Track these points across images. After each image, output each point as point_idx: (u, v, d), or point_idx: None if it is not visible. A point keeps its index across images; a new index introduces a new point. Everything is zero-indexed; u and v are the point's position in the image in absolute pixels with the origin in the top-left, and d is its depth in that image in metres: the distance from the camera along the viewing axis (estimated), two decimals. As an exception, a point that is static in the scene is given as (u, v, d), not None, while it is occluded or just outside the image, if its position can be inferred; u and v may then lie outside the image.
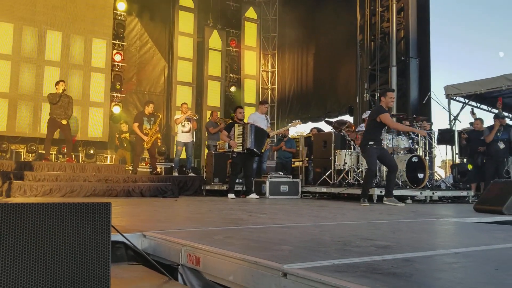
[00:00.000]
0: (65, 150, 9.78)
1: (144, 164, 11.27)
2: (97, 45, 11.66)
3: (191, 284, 2.01)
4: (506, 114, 9.09)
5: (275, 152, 10.46)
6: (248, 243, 2.14)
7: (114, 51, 12.00)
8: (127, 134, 11.21)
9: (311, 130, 10.64)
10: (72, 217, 1.63)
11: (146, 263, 2.24)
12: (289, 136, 10.64)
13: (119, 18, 12.24)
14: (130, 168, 10.43)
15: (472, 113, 9.55)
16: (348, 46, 12.01)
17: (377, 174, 7.73)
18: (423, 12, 10.62)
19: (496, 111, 9.73)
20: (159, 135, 9.88)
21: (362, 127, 8.39)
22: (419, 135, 8.17)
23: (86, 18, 11.51)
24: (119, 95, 12.08)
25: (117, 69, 12.09)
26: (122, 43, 12.23)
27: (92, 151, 11.28)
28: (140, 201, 6.29)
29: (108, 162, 11.66)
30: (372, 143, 6.26)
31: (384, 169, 7.75)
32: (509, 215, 4.18)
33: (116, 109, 11.93)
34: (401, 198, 7.33)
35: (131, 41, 12.85)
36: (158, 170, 10.55)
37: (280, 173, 9.04)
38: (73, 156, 10.27)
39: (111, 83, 11.92)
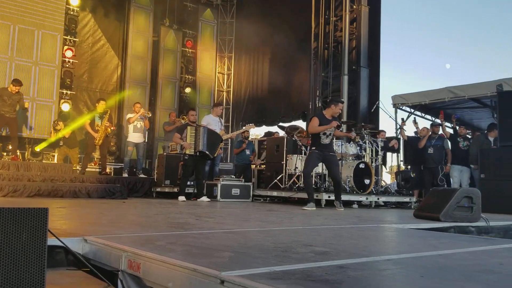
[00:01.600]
0: (10, 148, 9.38)
1: (93, 164, 10.97)
2: (47, 40, 11.21)
3: (130, 290, 2.00)
4: (449, 124, 9.55)
5: (235, 154, 10.53)
6: (190, 249, 2.15)
7: (65, 47, 11.60)
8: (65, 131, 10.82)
9: (273, 133, 10.85)
10: (7, 222, 1.60)
11: (86, 268, 2.21)
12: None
13: (72, 13, 11.85)
14: (78, 168, 10.13)
15: (415, 122, 10.02)
16: (303, 53, 12.24)
17: (326, 179, 7.95)
18: (374, 23, 11.02)
19: (438, 121, 10.24)
20: (109, 130, 9.64)
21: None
22: (367, 142, 8.47)
23: (37, 12, 11.06)
24: (69, 92, 11.69)
25: (67, 66, 11.69)
26: (74, 39, 11.84)
27: (38, 149, 10.84)
28: (87, 203, 6.13)
29: (56, 161, 11.25)
30: (314, 148, 6.45)
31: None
32: (445, 222, 4.41)
33: (65, 107, 11.54)
34: (348, 203, 7.57)
35: (83, 37, 12.48)
36: (108, 170, 10.31)
37: (232, 176, 9.08)
38: (18, 154, 9.85)
39: (61, 79, 11.51)
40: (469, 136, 9.54)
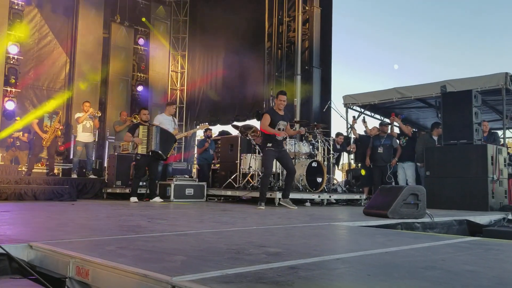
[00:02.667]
0: None
1: (40, 165, 10.52)
2: (-11, 35, 10.67)
3: (78, 298, 1.95)
4: (396, 125, 9.91)
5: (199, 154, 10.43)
6: (141, 254, 2.12)
7: (9, 43, 11.06)
8: (21, 133, 10.40)
9: (228, 133, 10.87)
10: None
11: (32, 276, 2.13)
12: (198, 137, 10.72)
13: (16, 7, 11.30)
14: (24, 169, 9.69)
15: (363, 121, 10.34)
16: (256, 52, 12.31)
17: (280, 177, 8.05)
18: (326, 24, 11.25)
19: (388, 120, 10.60)
20: (59, 133, 9.31)
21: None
22: (319, 141, 8.64)
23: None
24: (13, 89, 11.15)
25: (12, 62, 11.15)
26: (19, 35, 11.30)
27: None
28: (33, 206, 5.88)
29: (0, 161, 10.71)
30: (270, 145, 6.39)
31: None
32: (393, 219, 4.58)
33: (10, 105, 11.01)
34: (301, 201, 7.70)
35: (29, 32, 11.93)
36: (55, 171, 9.93)
37: (186, 175, 8.99)
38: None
39: (5, 76, 10.96)
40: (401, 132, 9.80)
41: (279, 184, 7.90)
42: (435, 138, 8.82)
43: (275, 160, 6.79)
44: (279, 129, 6.42)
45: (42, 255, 2.26)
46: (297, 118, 10.25)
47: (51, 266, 2.16)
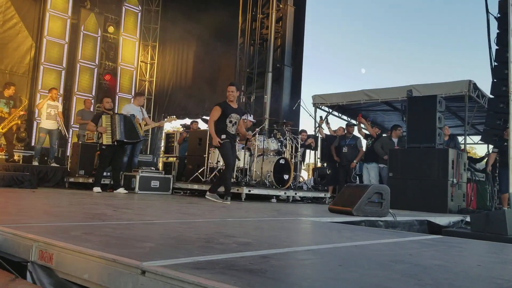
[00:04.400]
0: None
1: (-1, 151, 10.11)
2: None
3: (41, 282, 1.87)
4: (363, 126, 10.08)
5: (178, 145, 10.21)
6: (108, 240, 2.06)
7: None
8: None
9: (190, 126, 10.71)
10: None
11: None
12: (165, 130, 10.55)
13: (-21, -15, 10.81)
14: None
15: (327, 122, 10.50)
16: (229, 47, 12.25)
17: (247, 173, 8.05)
18: (299, 24, 11.33)
19: (354, 121, 10.79)
20: (19, 122, 8.97)
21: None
22: (287, 138, 8.70)
23: None
24: (-28, 72, 10.67)
25: (-29, 42, 10.66)
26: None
27: None
28: (-10, 192, 5.64)
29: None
30: (224, 137, 6.15)
31: (254, 168, 8.10)
32: (357, 216, 4.66)
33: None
34: (267, 197, 7.73)
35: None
36: (16, 158, 9.56)
37: (152, 168, 8.85)
38: None
39: (-36, 58, 10.48)
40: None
41: (246, 179, 7.90)
42: (395, 140, 9.05)
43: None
44: (230, 122, 6.24)
45: (2, 238, 2.15)
46: (267, 115, 10.28)
47: (12, 250, 2.07)
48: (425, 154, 7.39)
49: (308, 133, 10.33)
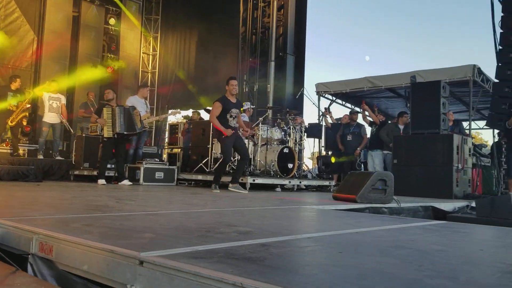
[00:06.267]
0: None
1: (4, 145, 10.15)
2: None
3: (41, 274, 1.87)
4: (367, 113, 10.01)
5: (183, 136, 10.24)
6: (108, 231, 2.06)
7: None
8: None
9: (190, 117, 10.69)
10: None
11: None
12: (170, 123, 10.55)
13: (-21, -19, 10.78)
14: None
15: (328, 111, 10.44)
16: (231, 37, 12.16)
17: (252, 163, 8.04)
18: (301, 11, 11.22)
19: (358, 109, 10.72)
20: (26, 114, 9.00)
21: (244, 117, 8.55)
22: (291, 127, 8.67)
23: None
24: (-24, 66, 10.69)
25: (-26, 37, 10.66)
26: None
27: None
28: (-5, 186, 5.67)
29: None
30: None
31: (258, 158, 8.09)
32: (361, 203, 4.64)
33: (-28, 82, 10.54)
34: (271, 187, 7.72)
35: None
36: (21, 152, 9.60)
37: (156, 159, 8.87)
38: None
39: (-33, 53, 10.49)
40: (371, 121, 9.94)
41: (250, 169, 7.89)
42: (401, 127, 8.99)
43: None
44: (231, 116, 6.39)
45: (3, 231, 2.16)
46: (270, 104, 10.24)
47: (13, 242, 2.08)
48: (429, 140, 7.34)
49: (312, 121, 10.30)
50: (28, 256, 1.96)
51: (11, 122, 8.66)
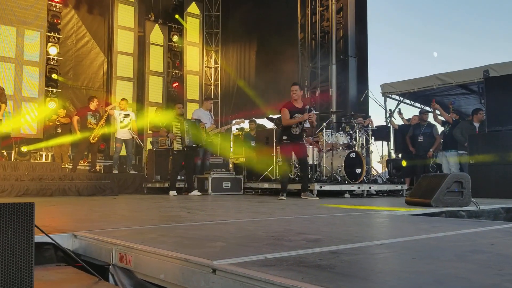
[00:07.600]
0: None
1: (82, 162, 10.86)
2: (30, 37, 11.07)
3: (122, 283, 1.98)
4: (438, 112, 9.56)
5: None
6: (182, 241, 2.13)
7: (49, 44, 11.45)
8: (62, 111, 10.74)
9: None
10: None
11: (76, 264, 2.18)
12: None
13: (54, 9, 11.68)
14: (67, 166, 10.03)
15: (399, 113, 10.06)
16: (290, 44, 12.19)
17: (317, 169, 7.96)
18: (361, 12, 10.99)
19: (428, 108, 10.27)
20: (105, 131, 9.58)
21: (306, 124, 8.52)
22: (357, 131, 8.48)
23: (18, 9, 10.90)
24: (54, 90, 11.56)
25: (52, 63, 11.55)
26: (58, 36, 11.69)
27: (25, 149, 10.70)
28: (77, 200, 6.07)
29: (44, 160, 11.12)
30: (285, 138, 6.53)
31: (324, 164, 7.99)
32: (437, 207, 4.43)
33: (52, 105, 11.40)
34: (339, 193, 7.59)
35: (67, 34, 12.33)
36: (97, 168, 10.22)
37: (223, 169, 9.05)
38: (5, 154, 9.72)
39: (46, 77, 11.38)
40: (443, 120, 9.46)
41: (316, 176, 7.82)
42: (476, 124, 8.48)
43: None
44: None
45: (86, 244, 2.31)
46: (334, 108, 10.10)
47: (95, 254, 2.21)
48: (508, 137, 6.89)
49: (380, 124, 10.02)
50: (109, 267, 2.08)
51: (92, 139, 9.21)
